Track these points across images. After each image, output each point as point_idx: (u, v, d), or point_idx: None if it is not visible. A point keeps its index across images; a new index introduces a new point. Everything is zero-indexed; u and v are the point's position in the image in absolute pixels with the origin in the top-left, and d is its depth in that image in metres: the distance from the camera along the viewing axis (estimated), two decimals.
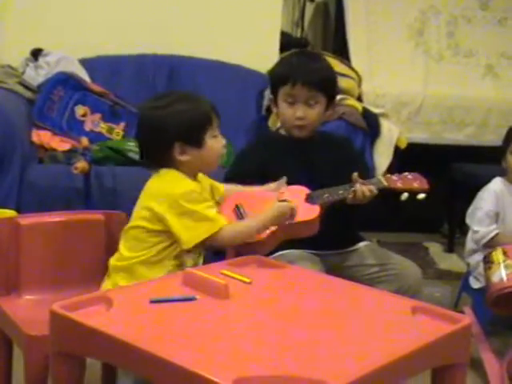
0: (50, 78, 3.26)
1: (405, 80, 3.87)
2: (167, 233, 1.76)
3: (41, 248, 1.90)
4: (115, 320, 1.33)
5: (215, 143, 1.82)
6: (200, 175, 1.90)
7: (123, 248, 1.82)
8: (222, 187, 1.97)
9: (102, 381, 2.02)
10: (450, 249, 3.77)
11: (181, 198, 1.74)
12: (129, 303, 1.42)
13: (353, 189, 1.93)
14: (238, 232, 1.80)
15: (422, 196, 1.89)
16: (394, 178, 1.93)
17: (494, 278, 2.22)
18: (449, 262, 3.58)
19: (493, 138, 3.73)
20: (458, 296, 2.74)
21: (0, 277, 1.85)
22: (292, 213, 1.84)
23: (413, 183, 1.92)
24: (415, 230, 3.96)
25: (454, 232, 3.76)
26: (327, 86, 2.10)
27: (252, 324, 1.35)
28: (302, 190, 1.94)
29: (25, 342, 1.68)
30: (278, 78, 2.13)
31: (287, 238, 1.90)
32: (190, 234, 1.74)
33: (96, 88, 3.30)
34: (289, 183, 2.00)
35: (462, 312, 2.41)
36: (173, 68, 3.50)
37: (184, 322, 1.34)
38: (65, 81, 3.25)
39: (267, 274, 1.63)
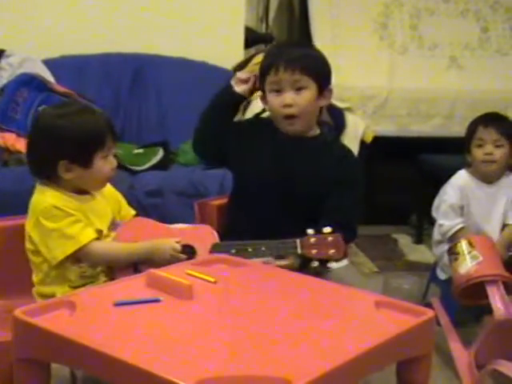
0: (13, 79, 3.22)
1: (370, 74, 3.88)
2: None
3: (5, 252, 1.88)
4: (79, 324, 1.33)
5: (104, 165, 1.76)
6: (110, 188, 1.87)
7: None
8: (131, 214, 1.93)
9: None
10: (418, 240, 3.81)
11: (41, 215, 1.71)
12: (92, 307, 1.42)
13: (266, 259, 1.76)
14: (106, 252, 1.76)
15: (333, 265, 1.73)
16: (312, 240, 1.71)
17: (461, 270, 2.23)
18: (417, 253, 3.61)
19: (459, 129, 3.72)
20: (426, 287, 2.76)
21: None
22: (173, 255, 1.75)
23: (328, 251, 1.70)
24: (384, 222, 3.99)
25: (423, 223, 3.79)
26: (313, 70, 1.91)
27: (216, 324, 1.35)
28: (210, 237, 1.84)
29: None
30: (262, 71, 1.96)
31: None
32: (52, 253, 1.71)
33: (60, 88, 3.27)
34: (256, 176, 1.95)
35: (429, 303, 2.44)
36: (138, 66, 3.49)
37: (148, 325, 1.34)
38: (28, 82, 3.21)
39: (232, 273, 1.63)
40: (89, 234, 1.72)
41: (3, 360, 1.61)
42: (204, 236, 1.85)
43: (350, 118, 3.12)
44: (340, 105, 3.16)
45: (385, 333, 1.30)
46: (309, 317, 1.39)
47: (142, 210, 2.17)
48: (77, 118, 1.76)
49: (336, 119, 3.02)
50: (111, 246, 1.78)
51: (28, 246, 1.77)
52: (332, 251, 1.70)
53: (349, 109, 3.21)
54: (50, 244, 1.70)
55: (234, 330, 1.32)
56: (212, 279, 1.53)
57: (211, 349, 1.23)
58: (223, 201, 2.32)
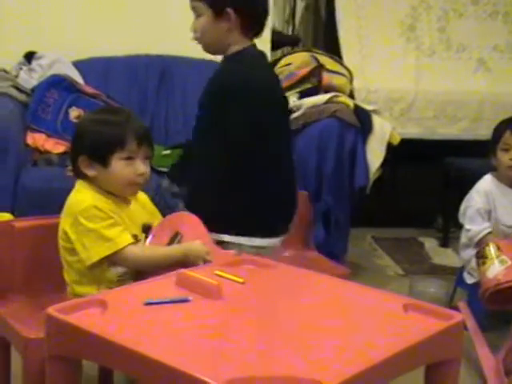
0: (43, 80, 3.26)
1: (397, 76, 3.87)
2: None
3: (36, 250, 1.91)
4: (110, 322, 1.34)
5: (124, 168, 1.76)
6: (142, 197, 1.89)
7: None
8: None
9: (98, 382, 2.03)
10: (444, 244, 3.78)
11: (80, 215, 1.72)
12: (123, 305, 1.43)
13: None
14: (143, 257, 1.75)
15: None
16: None
17: (489, 274, 2.22)
18: (444, 256, 3.59)
19: (486, 131, 3.69)
20: (452, 291, 2.75)
21: None
22: (206, 259, 1.77)
23: None
24: (410, 225, 3.98)
25: (449, 227, 3.77)
26: None
27: (245, 324, 1.36)
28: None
29: (23, 344, 1.69)
30: None
31: None
32: (87, 253, 1.71)
33: (89, 90, 3.30)
34: None
35: (456, 307, 2.42)
36: (164, 68, 3.51)
37: (178, 324, 1.35)
38: (58, 83, 3.25)
39: (261, 274, 1.64)
40: (126, 239, 1.73)
41: (35, 356, 1.65)
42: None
43: (377, 121, 3.11)
44: (367, 107, 3.15)
45: (413, 336, 1.30)
46: (337, 318, 1.40)
47: (169, 211, 2.19)
48: (104, 118, 1.81)
49: (363, 122, 3.01)
50: (147, 250, 1.78)
51: (62, 243, 1.78)
52: None
53: (376, 111, 3.20)
54: (86, 243, 1.72)
55: (263, 331, 1.33)
56: (240, 280, 1.54)
57: (240, 349, 1.23)
58: None
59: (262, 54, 2.08)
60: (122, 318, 1.38)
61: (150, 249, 1.79)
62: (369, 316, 1.42)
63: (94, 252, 1.71)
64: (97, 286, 1.75)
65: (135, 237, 1.79)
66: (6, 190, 2.77)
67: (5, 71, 3.27)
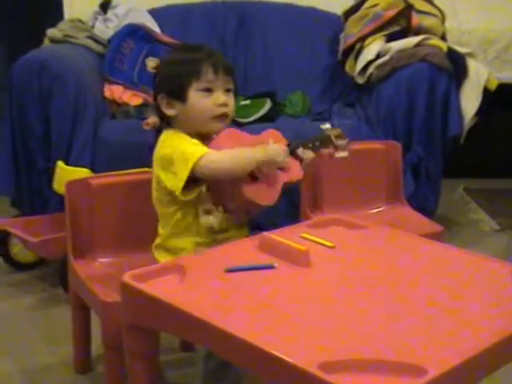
0: (119, 30, 3.18)
1: (492, 15, 3.61)
2: (172, 196, 1.63)
3: (114, 209, 1.85)
4: (188, 292, 1.25)
5: (201, 98, 1.64)
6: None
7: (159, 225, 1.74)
8: None
9: (180, 345, 1.97)
10: None
11: (162, 150, 1.65)
12: (202, 272, 1.33)
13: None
14: (226, 156, 1.59)
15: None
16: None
17: None
18: None
19: None
20: None
21: (74, 240, 1.82)
22: (284, 158, 1.63)
23: None
24: (505, 176, 3.75)
25: None
26: None
27: (337, 296, 1.22)
28: (281, 139, 1.72)
29: (101, 308, 1.65)
30: None
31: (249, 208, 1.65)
32: (176, 179, 1.59)
33: (166, 39, 3.21)
34: None
35: None
36: (243, 14, 3.39)
37: (262, 294, 1.24)
38: (134, 33, 3.17)
39: (352, 236, 1.50)
40: (206, 150, 1.61)
41: (114, 320, 1.59)
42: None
43: (472, 65, 2.88)
44: (461, 50, 2.92)
45: None
46: (441, 293, 1.24)
47: None
48: (180, 54, 1.75)
49: (457, 66, 2.79)
50: (229, 151, 1.62)
51: (156, 194, 1.70)
52: None
53: (470, 54, 2.97)
54: (175, 169, 1.60)
55: (359, 305, 1.19)
56: (330, 244, 1.41)
57: (333, 326, 1.11)
58: None
59: None
60: (200, 286, 1.28)
61: (230, 151, 1.62)
62: (476, 290, 1.26)
63: (181, 172, 1.59)
64: (191, 236, 1.64)
65: None
66: (86, 143, 2.73)
67: (81, 22, 3.21)
